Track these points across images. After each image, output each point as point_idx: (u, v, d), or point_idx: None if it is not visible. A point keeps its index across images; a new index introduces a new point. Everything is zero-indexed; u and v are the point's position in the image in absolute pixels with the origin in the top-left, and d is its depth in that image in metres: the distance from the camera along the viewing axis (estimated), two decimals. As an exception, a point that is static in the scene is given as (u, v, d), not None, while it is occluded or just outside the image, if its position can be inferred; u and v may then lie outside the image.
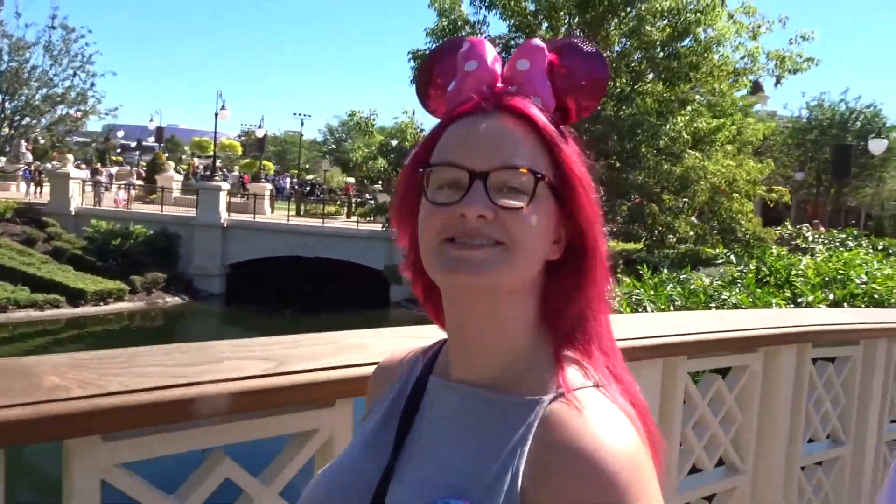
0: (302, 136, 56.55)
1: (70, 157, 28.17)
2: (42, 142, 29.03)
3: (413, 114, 18.02)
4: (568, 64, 0.89)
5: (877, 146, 25.58)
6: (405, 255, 0.97)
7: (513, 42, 14.16)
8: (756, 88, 15.56)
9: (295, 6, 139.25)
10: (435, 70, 0.95)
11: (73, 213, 27.38)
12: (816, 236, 10.76)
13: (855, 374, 3.02)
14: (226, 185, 28.74)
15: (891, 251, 9.99)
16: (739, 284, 6.73)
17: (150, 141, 52.03)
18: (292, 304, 25.13)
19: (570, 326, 0.88)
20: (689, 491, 2.35)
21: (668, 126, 12.15)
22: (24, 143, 29.31)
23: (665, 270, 8.55)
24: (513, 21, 14.65)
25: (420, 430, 0.90)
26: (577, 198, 0.85)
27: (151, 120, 41.72)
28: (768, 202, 18.20)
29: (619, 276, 8.78)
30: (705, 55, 12.52)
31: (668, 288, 6.58)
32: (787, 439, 2.67)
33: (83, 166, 30.73)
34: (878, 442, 3.21)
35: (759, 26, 13.25)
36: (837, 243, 10.22)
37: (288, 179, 44.85)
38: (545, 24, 14.38)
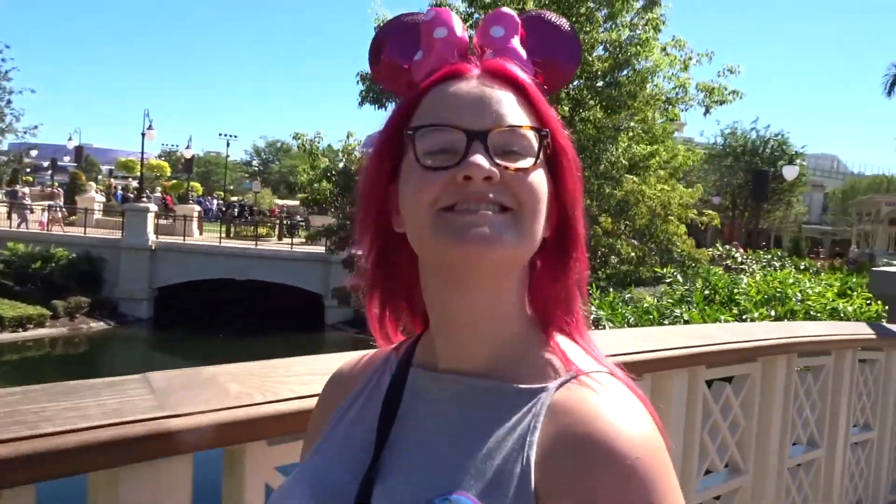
0: (228, 156, 55.54)
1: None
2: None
3: (347, 137, 18.12)
4: (536, 36, 0.86)
5: (789, 172, 27.40)
6: (364, 257, 0.87)
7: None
8: (673, 116, 16.55)
9: (216, 26, 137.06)
10: (390, 42, 0.88)
11: (-14, 236, 25.95)
12: (745, 257, 11.45)
13: (828, 382, 3.34)
14: (153, 207, 27.88)
15: (811, 270, 10.75)
16: (689, 302, 7.14)
17: (66, 160, 49.91)
18: (224, 329, 24.52)
19: (558, 310, 0.83)
20: (704, 492, 2.56)
21: (608, 152, 12.86)
22: None
23: (611, 290, 8.95)
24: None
25: (405, 427, 0.81)
26: (564, 168, 0.81)
27: (70, 139, 40.05)
28: (699, 225, 19.22)
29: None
30: (642, 85, 13.38)
31: (620, 307, 6.91)
32: (779, 443, 2.93)
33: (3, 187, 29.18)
34: (846, 444, 3.53)
35: (689, 59, 14.19)
36: (764, 263, 10.92)
37: (215, 201, 43.89)
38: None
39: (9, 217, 27.50)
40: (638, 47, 12.98)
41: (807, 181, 42.39)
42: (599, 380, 0.76)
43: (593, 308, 6.76)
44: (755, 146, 39.22)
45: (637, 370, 2.11)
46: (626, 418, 0.72)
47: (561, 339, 0.82)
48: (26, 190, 33.39)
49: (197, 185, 44.71)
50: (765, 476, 2.85)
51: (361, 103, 15.30)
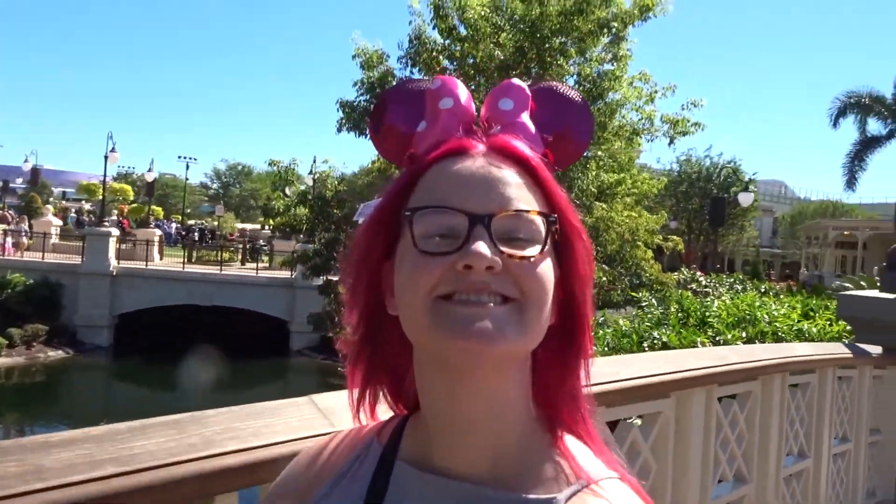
0: (188, 179, 54.93)
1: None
2: None
3: (314, 162, 18.29)
4: (547, 109, 0.82)
5: (745, 199, 28.53)
6: (352, 328, 0.82)
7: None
8: (637, 145, 17.30)
9: (174, 48, 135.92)
10: (392, 109, 0.84)
11: (-62, 262, 25.16)
12: (709, 281, 11.92)
13: (814, 397, 3.65)
14: (115, 231, 27.41)
15: (772, 293, 11.26)
16: (665, 325, 7.46)
17: (19, 182, 48.69)
18: (188, 355, 24.14)
19: (565, 406, 0.77)
20: (716, 500, 2.81)
21: (580, 180, 13.40)
22: None
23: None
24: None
25: None
26: (575, 253, 0.75)
27: (26, 160, 39.15)
28: (665, 250, 19.86)
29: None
30: (611, 116, 14.03)
31: (600, 330, 7.20)
32: (777, 454, 3.21)
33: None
34: (829, 455, 3.84)
35: (655, 92, 14.90)
36: (727, 286, 11.39)
37: (174, 225, 43.28)
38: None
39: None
40: (612, 82, 13.61)
41: (758, 206, 43.97)
42: (610, 489, 0.71)
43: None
44: (709, 173, 40.62)
45: (665, 389, 2.37)
46: None
47: (569, 440, 0.75)
48: None
49: (158, 208, 44.02)
50: (765, 485, 3.12)
51: (339, 130, 15.58)
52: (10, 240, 27.66)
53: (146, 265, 27.64)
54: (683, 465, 2.55)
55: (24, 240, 28.60)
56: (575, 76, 14.63)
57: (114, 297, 25.94)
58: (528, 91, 0.81)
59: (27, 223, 31.16)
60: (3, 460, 0.94)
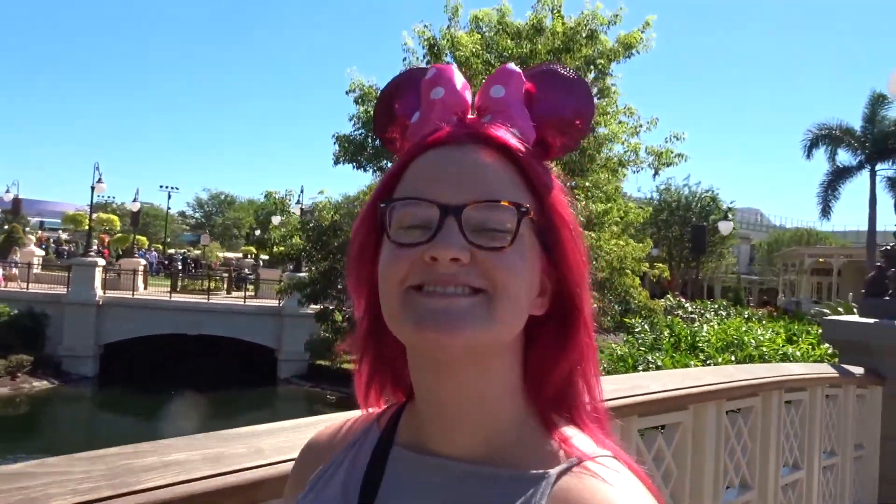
0: (169, 209, 54.93)
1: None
2: None
3: (309, 193, 18.66)
4: (547, 93, 0.79)
5: (725, 227, 29.31)
6: (358, 321, 0.84)
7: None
8: (622, 176, 17.95)
9: (155, 76, 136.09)
10: (395, 101, 0.83)
11: (-80, 292, 24.98)
12: (695, 307, 12.34)
13: (805, 413, 4.00)
14: (101, 261, 27.39)
15: (754, 318, 11.68)
16: (659, 349, 7.81)
17: (-3, 212, 48.25)
18: (175, 385, 24.05)
19: (557, 393, 0.77)
20: None
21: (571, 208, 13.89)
22: None
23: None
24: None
25: None
26: (562, 242, 0.75)
27: (8, 191, 38.99)
28: (651, 277, 20.41)
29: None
30: (599, 149, 14.64)
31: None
32: (775, 464, 3.54)
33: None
34: (819, 467, 4.18)
35: (639, 125, 15.56)
36: (713, 312, 11.81)
37: (154, 254, 43.19)
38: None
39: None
40: (606, 116, 14.26)
41: (736, 234, 44.95)
42: (604, 464, 0.71)
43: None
44: (688, 201, 41.55)
45: (685, 402, 2.69)
46: None
47: (563, 425, 0.76)
48: None
49: (143, 238, 43.93)
50: (766, 493, 3.44)
51: (336, 163, 15.91)
52: (0, 271, 27.56)
53: (132, 294, 27.61)
54: (699, 471, 2.82)
55: (14, 271, 28.46)
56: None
57: (99, 326, 25.87)
58: (522, 77, 0.79)
59: (8, 254, 31.01)
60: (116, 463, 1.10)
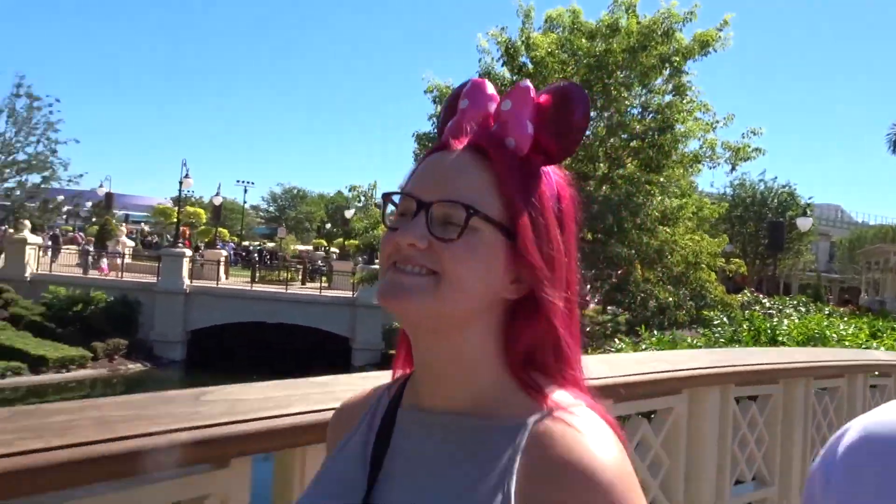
0: (246, 203, 57.05)
1: (27, 223, 27.92)
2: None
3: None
4: (555, 108, 0.89)
5: (804, 224, 28.54)
6: None
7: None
8: (696, 171, 17.88)
9: (229, 74, 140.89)
10: (458, 103, 0.94)
11: (28, 280, 26.96)
12: (773, 303, 12.32)
13: (843, 403, 3.68)
14: (188, 252, 28.91)
15: (836, 315, 11.58)
16: (738, 341, 7.97)
17: (88, 205, 51.18)
18: (255, 370, 25.19)
19: (529, 357, 0.87)
20: (736, 498, 2.81)
21: (645, 205, 14.16)
22: None
23: (656, 332, 9.82)
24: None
25: (394, 463, 0.88)
26: (520, 239, 0.84)
27: (101, 185, 41.50)
28: (728, 272, 20.28)
29: (620, 337, 10.05)
30: (676, 146, 14.76)
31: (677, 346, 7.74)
32: (802, 458, 3.20)
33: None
34: None
35: (715, 122, 15.57)
36: (792, 308, 11.76)
37: (231, 246, 44.99)
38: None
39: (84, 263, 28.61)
40: (683, 114, 14.37)
41: (815, 231, 43.51)
42: (574, 412, 0.82)
43: (652, 347, 7.64)
44: (763, 197, 40.42)
45: (677, 385, 2.44)
46: (599, 447, 0.79)
47: (542, 382, 0.86)
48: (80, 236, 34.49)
49: (225, 230, 45.88)
50: (789, 489, 3.15)
51: (416, 159, 16.40)
52: (105, 260, 29.45)
53: (217, 284, 29.03)
54: (698, 462, 2.57)
55: (119, 261, 30.35)
56: (638, 108, 15.41)
57: (187, 314, 27.36)
58: (530, 92, 0.89)
59: (103, 244, 33.05)
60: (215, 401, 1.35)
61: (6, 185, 26.71)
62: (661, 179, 15.11)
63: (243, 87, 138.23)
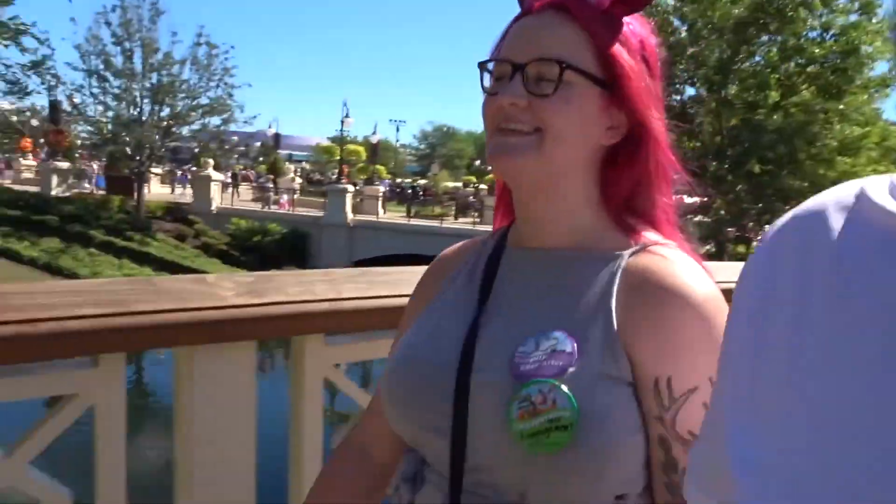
0: (398, 141, 59.15)
1: (211, 161, 30.85)
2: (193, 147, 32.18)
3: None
4: None
5: None
6: None
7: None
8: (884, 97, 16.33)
9: (382, 13, 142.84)
10: None
11: (213, 212, 29.98)
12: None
13: None
14: (351, 188, 30.75)
15: None
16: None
17: (257, 146, 55.36)
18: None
19: (628, 206, 0.92)
20: None
21: (824, 134, 13.32)
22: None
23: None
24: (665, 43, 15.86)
25: (500, 292, 0.94)
26: (622, 85, 0.88)
27: (270, 126, 44.84)
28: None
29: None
30: (861, 69, 13.63)
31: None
32: None
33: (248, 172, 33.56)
34: None
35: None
36: None
37: (387, 182, 47.00)
38: (692, 49, 15.63)
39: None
40: (871, 35, 13.27)
41: None
42: (669, 249, 0.89)
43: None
44: (962, 124, 35.98)
45: None
46: (691, 275, 0.86)
47: (634, 224, 0.92)
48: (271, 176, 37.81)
49: (382, 168, 48.04)
50: None
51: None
52: (285, 196, 32.19)
53: (376, 218, 30.75)
54: None
55: (294, 196, 33.04)
56: (818, 30, 14.26)
57: (351, 245, 29.31)
58: None
59: (274, 181, 35.87)
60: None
61: (192, 127, 29.47)
62: (841, 107, 14.05)
63: (393, 26, 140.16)
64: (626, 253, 0.88)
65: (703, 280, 0.86)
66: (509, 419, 0.81)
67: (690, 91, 17.86)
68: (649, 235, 0.91)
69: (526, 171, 0.88)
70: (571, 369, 0.82)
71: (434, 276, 1.06)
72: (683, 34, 16.12)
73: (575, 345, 0.83)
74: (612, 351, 0.83)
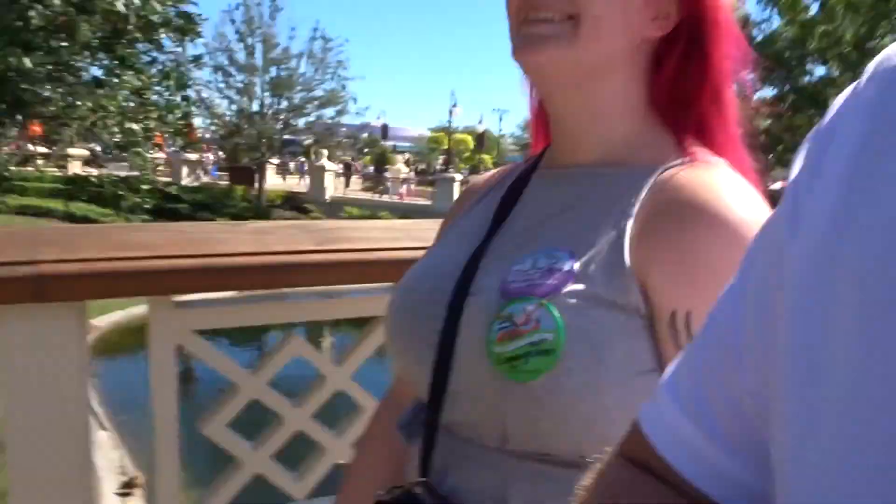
0: (501, 131, 59.08)
1: (325, 151, 32.11)
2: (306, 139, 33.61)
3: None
4: None
5: None
6: None
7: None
8: None
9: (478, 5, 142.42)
10: None
11: (327, 201, 31.20)
12: None
13: None
14: (458, 177, 31.21)
15: None
16: None
17: (363, 137, 56.96)
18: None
19: (680, 110, 0.79)
20: None
21: None
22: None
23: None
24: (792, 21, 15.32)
25: (519, 213, 0.83)
26: None
27: (378, 118, 46.11)
28: None
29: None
30: None
31: None
32: None
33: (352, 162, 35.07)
34: None
35: None
36: None
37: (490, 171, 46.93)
38: (822, 28, 14.84)
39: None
40: None
41: None
42: (717, 164, 0.75)
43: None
44: None
45: None
46: (735, 196, 0.70)
47: (681, 135, 0.78)
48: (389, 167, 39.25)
49: (487, 157, 48.35)
50: None
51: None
52: (404, 187, 33.23)
53: (482, 206, 31.07)
54: None
55: (412, 187, 34.02)
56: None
57: (458, 233, 29.79)
58: None
59: (383, 172, 36.91)
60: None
61: (308, 119, 30.77)
62: None
63: (491, 17, 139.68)
64: (663, 167, 0.74)
65: (746, 202, 0.70)
66: (487, 340, 0.71)
67: (820, 71, 17.02)
68: (697, 149, 0.77)
69: (559, 64, 0.76)
70: (567, 289, 0.70)
71: (460, 204, 0.96)
72: (813, 12, 15.34)
73: (575, 264, 0.71)
74: (620, 275, 0.70)
